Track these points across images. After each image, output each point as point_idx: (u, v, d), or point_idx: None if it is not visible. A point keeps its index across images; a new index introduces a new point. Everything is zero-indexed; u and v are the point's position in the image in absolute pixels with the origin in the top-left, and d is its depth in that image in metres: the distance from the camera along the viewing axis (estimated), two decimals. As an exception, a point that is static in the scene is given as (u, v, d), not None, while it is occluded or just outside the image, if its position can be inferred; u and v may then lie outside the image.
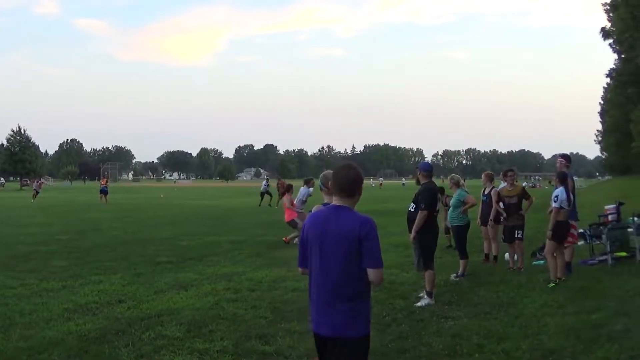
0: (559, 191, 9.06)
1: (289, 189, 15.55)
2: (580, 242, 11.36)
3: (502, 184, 13.87)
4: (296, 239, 14.67)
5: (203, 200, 41.90)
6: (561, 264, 9.08)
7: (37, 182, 47.35)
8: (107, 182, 37.84)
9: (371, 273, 3.47)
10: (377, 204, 30.93)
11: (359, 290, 3.52)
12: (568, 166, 9.98)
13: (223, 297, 8.10)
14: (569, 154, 10.49)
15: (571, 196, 9.25)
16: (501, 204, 10.70)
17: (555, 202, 9.01)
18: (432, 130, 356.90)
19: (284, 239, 14.74)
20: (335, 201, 3.65)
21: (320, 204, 4.38)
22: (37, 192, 42.13)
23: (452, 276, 9.48)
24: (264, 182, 28.43)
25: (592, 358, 5.48)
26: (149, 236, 16.47)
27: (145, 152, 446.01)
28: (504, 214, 10.54)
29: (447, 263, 10.29)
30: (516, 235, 10.25)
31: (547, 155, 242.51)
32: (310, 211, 4.09)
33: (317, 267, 3.59)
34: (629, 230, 10.94)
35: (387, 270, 10.19)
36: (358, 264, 3.47)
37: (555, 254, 9.09)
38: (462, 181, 10.95)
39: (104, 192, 35.40)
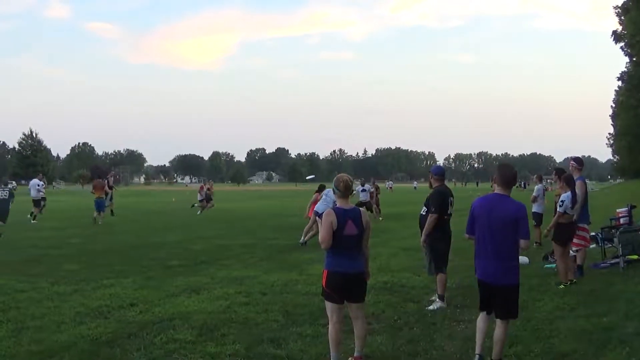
0: (565, 196, 9.04)
1: (320, 190, 15.88)
2: (592, 246, 11.30)
3: (541, 185, 14.33)
4: (308, 237, 14.69)
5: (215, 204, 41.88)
6: (570, 266, 9.04)
7: (205, 187, 30.77)
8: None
9: (522, 242, 5.12)
10: (389, 207, 30.81)
11: (514, 252, 5.20)
12: (580, 169, 9.93)
13: (235, 301, 8.11)
14: (580, 157, 10.44)
15: (576, 200, 9.19)
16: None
17: (560, 206, 9.00)
18: (444, 133, 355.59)
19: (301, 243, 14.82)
20: (498, 190, 5.29)
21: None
22: (203, 200, 29.54)
23: None
24: (367, 186, 24.86)
25: (604, 361, 5.46)
26: (160, 240, 16.54)
27: (157, 156, 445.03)
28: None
29: (459, 266, 10.24)
30: None
31: (558, 159, 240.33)
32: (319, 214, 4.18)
33: (487, 237, 5.19)
34: (641, 233, 10.87)
35: (398, 273, 10.22)
36: (514, 235, 5.09)
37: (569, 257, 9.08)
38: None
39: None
